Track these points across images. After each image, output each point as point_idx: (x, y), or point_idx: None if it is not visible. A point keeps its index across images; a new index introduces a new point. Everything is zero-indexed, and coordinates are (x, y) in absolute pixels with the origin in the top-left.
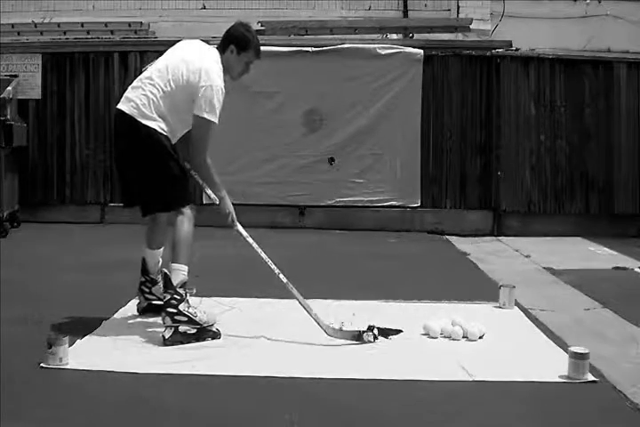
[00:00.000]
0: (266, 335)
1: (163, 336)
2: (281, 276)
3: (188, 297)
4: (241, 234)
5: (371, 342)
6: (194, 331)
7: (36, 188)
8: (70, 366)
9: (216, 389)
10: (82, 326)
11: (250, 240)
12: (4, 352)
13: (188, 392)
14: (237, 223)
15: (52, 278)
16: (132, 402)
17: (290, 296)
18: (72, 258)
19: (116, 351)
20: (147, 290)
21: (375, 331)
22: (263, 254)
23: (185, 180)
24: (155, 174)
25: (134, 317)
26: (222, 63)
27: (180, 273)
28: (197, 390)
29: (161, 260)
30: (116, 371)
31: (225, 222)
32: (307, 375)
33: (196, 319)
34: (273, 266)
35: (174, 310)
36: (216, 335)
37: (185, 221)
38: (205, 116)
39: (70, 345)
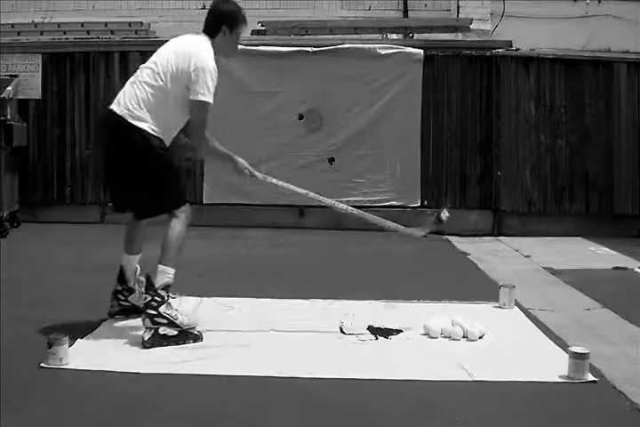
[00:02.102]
0: (266, 335)
1: (142, 338)
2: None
3: (169, 300)
4: (273, 183)
5: (448, 216)
6: (174, 333)
7: (36, 188)
8: (70, 366)
9: (216, 389)
10: (82, 326)
11: (280, 183)
12: (4, 352)
13: (187, 392)
14: (256, 173)
15: (51, 278)
16: (131, 402)
17: (290, 296)
18: (72, 258)
19: (115, 351)
20: (122, 298)
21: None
22: (300, 189)
23: (179, 180)
24: (148, 178)
25: (134, 317)
26: (213, 46)
27: (165, 275)
28: (197, 390)
29: (139, 267)
30: (115, 371)
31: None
32: (307, 375)
33: (177, 322)
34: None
35: (154, 312)
36: (197, 338)
37: (178, 222)
38: (200, 98)
39: (70, 345)
